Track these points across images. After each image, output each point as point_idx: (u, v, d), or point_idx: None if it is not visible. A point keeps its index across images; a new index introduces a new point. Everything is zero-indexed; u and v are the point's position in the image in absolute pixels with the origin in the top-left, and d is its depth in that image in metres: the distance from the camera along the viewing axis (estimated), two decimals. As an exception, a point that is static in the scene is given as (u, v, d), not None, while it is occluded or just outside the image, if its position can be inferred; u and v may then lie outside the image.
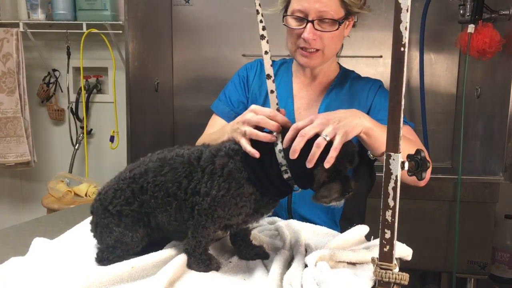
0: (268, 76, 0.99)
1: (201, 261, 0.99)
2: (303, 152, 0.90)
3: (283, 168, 0.94)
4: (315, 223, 1.27)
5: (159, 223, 1.00)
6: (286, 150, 0.93)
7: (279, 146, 0.94)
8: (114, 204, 0.99)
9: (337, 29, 1.27)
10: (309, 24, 1.26)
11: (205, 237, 0.98)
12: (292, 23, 1.30)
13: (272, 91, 0.99)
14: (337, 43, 1.33)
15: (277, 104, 1.00)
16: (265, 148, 0.96)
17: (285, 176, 0.94)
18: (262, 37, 0.97)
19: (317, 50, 1.31)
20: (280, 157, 0.93)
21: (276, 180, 0.95)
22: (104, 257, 1.00)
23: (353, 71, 1.49)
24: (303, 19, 1.27)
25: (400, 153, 0.74)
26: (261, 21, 0.97)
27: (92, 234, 1.04)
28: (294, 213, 1.40)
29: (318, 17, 1.25)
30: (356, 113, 1.01)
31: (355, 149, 0.91)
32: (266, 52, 0.98)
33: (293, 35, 1.32)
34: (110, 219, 0.99)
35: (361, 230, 1.19)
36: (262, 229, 1.26)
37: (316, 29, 1.26)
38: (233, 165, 0.94)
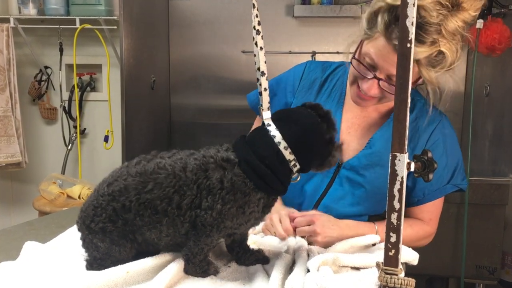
0: (263, 73, 0.98)
1: (199, 267, 0.99)
2: (308, 139, 0.95)
3: (292, 163, 0.95)
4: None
5: (147, 239, 0.99)
6: (292, 145, 0.94)
7: (283, 144, 0.94)
8: (96, 221, 0.97)
9: None
10: (374, 80, 1.16)
11: (208, 244, 0.98)
12: (359, 65, 1.19)
13: (265, 89, 0.99)
14: None
15: (268, 102, 0.99)
16: (270, 153, 0.95)
17: (295, 169, 0.96)
18: (258, 32, 0.96)
19: (374, 97, 1.22)
20: (287, 153, 0.94)
21: (285, 178, 0.97)
22: (94, 269, 0.99)
23: (417, 93, 1.33)
24: (372, 67, 1.16)
25: (406, 153, 0.74)
26: (256, 16, 0.96)
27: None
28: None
29: (386, 76, 1.15)
30: (346, 232, 1.21)
31: (330, 116, 0.97)
32: (261, 48, 0.97)
33: (354, 73, 1.22)
34: (94, 234, 0.98)
35: (371, 238, 1.19)
36: (263, 234, 1.26)
37: (379, 86, 1.17)
38: (231, 176, 0.93)
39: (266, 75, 0.98)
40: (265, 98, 0.99)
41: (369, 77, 1.17)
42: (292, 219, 1.22)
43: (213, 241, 0.99)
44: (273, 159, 0.94)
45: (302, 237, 1.18)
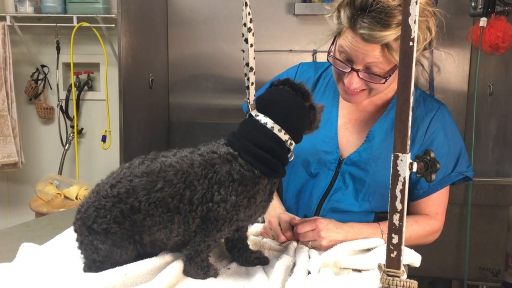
0: (251, 69, 1.02)
1: (200, 268, 0.99)
2: (295, 114, 1.02)
3: (288, 142, 1.01)
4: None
5: (155, 240, 0.99)
6: (284, 125, 0.99)
7: (276, 127, 0.99)
8: (99, 223, 0.96)
9: (384, 83, 1.19)
10: (352, 73, 1.18)
11: (216, 241, 1.00)
12: (336, 61, 1.21)
13: (252, 83, 1.03)
14: (387, 84, 1.21)
15: (254, 95, 1.03)
16: (267, 140, 0.99)
17: (291, 147, 1.02)
18: (249, 29, 1.00)
19: (363, 90, 1.22)
20: (282, 135, 0.99)
21: (284, 158, 1.01)
22: (92, 272, 0.99)
23: (415, 85, 1.35)
24: (349, 60, 1.19)
25: (408, 153, 0.74)
26: (249, 13, 0.99)
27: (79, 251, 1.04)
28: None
29: (364, 67, 1.17)
30: (351, 235, 1.21)
31: (302, 85, 1.04)
32: (251, 45, 1.01)
33: (335, 71, 1.25)
34: (95, 236, 0.97)
35: (373, 242, 1.19)
36: (263, 236, 1.26)
37: (360, 77, 1.18)
38: (239, 167, 0.96)
39: (254, 70, 1.03)
40: (252, 92, 1.03)
41: (347, 71, 1.20)
42: (293, 225, 1.22)
43: (222, 237, 1.01)
44: (271, 144, 0.99)
45: (306, 245, 1.17)
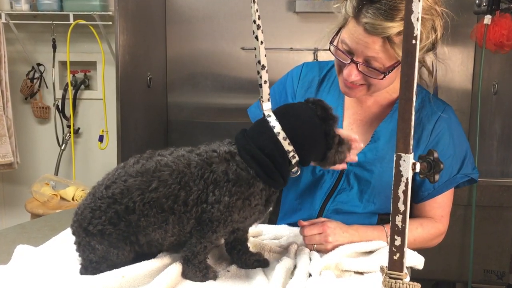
0: (263, 67, 1.03)
1: (198, 270, 0.99)
2: (306, 130, 1.02)
3: (291, 154, 1.00)
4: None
5: (151, 240, 0.99)
6: (290, 136, 0.99)
7: (282, 134, 0.99)
8: (94, 224, 0.97)
9: (382, 78, 1.19)
10: (352, 65, 1.20)
11: (212, 242, 1.00)
12: (337, 51, 1.24)
13: (265, 81, 1.03)
14: (386, 81, 1.21)
15: (268, 94, 1.03)
16: (269, 143, 0.99)
17: (293, 161, 1.01)
18: (258, 27, 1.00)
19: (361, 84, 1.23)
20: (286, 144, 0.99)
21: (284, 169, 1.01)
22: (89, 273, 0.99)
23: (420, 86, 1.33)
24: (350, 52, 1.20)
25: (411, 153, 0.74)
26: (256, 10, 0.99)
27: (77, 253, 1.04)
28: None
29: (364, 60, 1.18)
30: (356, 238, 1.22)
31: (330, 111, 1.04)
32: (261, 42, 1.01)
33: (336, 62, 1.27)
34: (92, 237, 0.98)
35: (375, 245, 1.19)
36: (263, 238, 1.26)
37: (359, 71, 1.19)
38: (236, 167, 0.97)
39: (266, 68, 1.03)
40: (265, 90, 1.03)
41: (346, 62, 1.21)
42: (300, 226, 1.22)
43: (218, 238, 1.01)
44: (272, 149, 0.98)
45: (311, 249, 1.17)
